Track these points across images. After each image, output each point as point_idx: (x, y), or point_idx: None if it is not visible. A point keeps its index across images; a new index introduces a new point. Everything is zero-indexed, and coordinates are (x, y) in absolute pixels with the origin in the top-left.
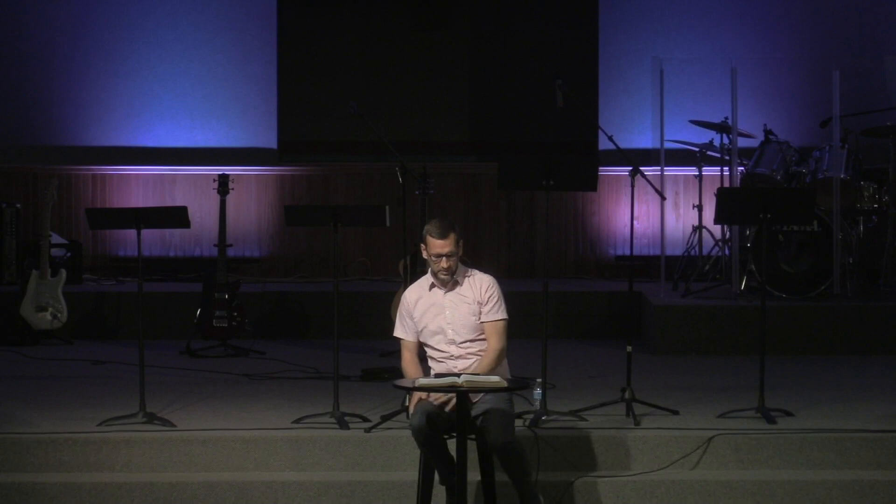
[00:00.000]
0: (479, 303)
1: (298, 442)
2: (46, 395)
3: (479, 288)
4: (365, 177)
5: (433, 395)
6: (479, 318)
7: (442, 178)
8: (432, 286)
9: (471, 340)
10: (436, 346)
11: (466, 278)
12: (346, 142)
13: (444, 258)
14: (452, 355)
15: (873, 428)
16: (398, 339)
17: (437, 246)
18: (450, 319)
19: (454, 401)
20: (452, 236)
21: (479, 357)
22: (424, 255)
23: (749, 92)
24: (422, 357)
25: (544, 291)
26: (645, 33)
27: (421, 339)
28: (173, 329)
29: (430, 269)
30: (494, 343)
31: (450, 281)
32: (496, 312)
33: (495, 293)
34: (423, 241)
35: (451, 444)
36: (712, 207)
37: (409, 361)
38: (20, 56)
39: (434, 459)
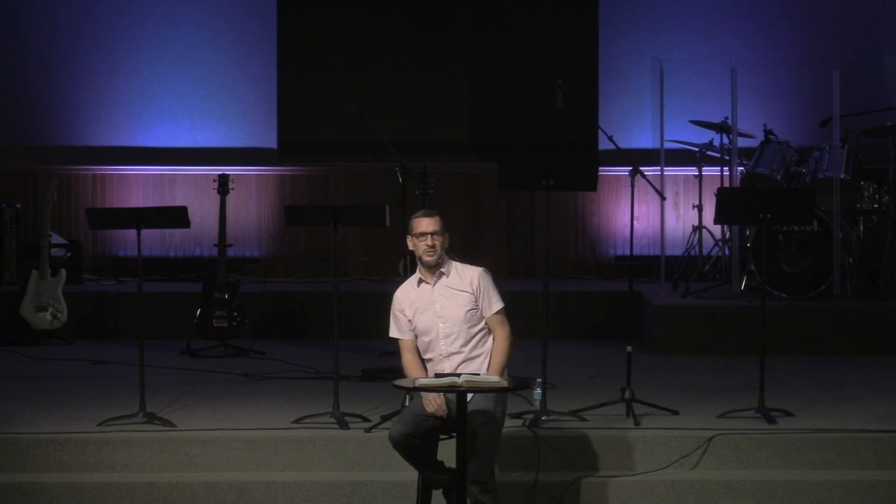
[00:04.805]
0: (472, 294)
1: (298, 442)
2: (46, 395)
3: (470, 279)
4: (365, 177)
5: (435, 406)
6: (477, 312)
7: (442, 178)
8: (420, 282)
9: (463, 335)
10: (428, 345)
11: (454, 270)
12: (346, 142)
13: (429, 236)
14: (442, 354)
15: (873, 428)
16: (396, 340)
17: (423, 225)
18: (440, 313)
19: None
20: (438, 219)
21: (470, 357)
22: (410, 245)
23: (749, 92)
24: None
25: (544, 291)
26: (645, 33)
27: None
28: (173, 329)
29: (417, 260)
30: (501, 332)
31: (435, 263)
32: (494, 304)
33: (488, 284)
34: (409, 230)
35: (450, 445)
36: (712, 207)
37: (410, 362)
38: (20, 56)
39: (417, 468)
